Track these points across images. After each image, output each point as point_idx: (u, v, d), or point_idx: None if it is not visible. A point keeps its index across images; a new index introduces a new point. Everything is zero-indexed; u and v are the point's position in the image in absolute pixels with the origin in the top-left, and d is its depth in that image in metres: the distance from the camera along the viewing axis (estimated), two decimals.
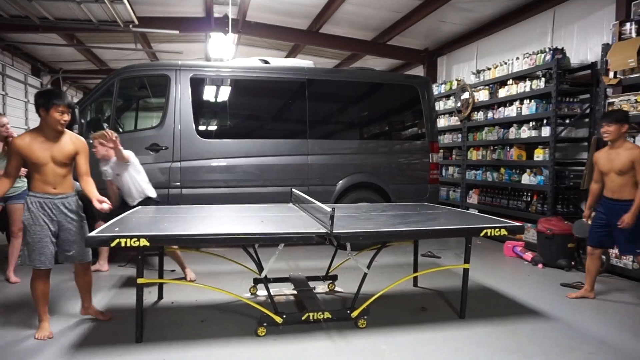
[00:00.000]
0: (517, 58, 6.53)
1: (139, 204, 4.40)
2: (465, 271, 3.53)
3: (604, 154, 3.94)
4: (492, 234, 3.32)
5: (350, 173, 5.96)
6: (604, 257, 4.85)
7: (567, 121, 5.83)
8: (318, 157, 5.86)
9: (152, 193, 4.51)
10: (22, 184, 4.40)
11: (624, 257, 4.70)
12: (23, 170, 4.27)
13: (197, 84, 5.61)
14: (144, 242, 2.75)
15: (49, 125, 3.07)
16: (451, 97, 8.32)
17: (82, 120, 5.05)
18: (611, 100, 4.94)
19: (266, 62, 6.07)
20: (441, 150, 8.47)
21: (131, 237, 2.74)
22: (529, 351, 2.96)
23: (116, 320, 3.42)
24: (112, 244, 2.72)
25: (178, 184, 5.41)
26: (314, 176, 5.83)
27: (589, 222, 4.18)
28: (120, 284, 4.36)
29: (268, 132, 6.04)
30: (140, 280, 2.96)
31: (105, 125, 5.58)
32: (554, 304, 3.92)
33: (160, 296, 3.93)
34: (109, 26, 7.44)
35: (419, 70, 10.32)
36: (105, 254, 4.83)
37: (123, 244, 2.72)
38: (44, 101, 3.03)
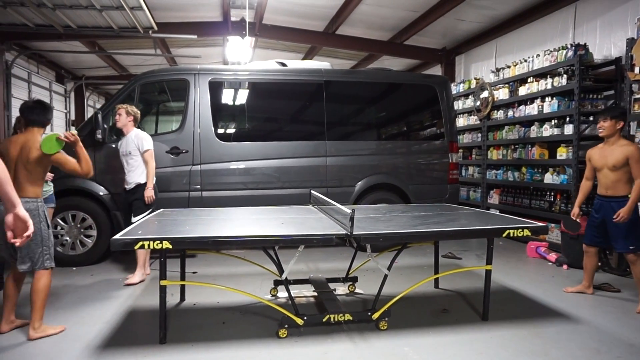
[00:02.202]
0: (538, 55, 6.42)
1: (135, 190, 4.52)
2: (488, 272, 3.47)
3: (598, 151, 4.03)
4: (515, 235, 3.27)
5: (368, 174, 5.94)
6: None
7: (591, 118, 5.70)
8: (336, 159, 5.86)
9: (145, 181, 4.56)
10: (48, 188, 4.53)
11: None
12: (49, 175, 4.39)
13: (215, 88, 5.67)
14: (166, 245, 2.79)
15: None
16: (470, 96, 8.22)
17: (105, 126, 5.16)
18: (637, 96, 4.81)
19: (283, 64, 6.10)
20: (460, 150, 8.38)
21: (154, 239, 2.78)
22: (554, 354, 2.90)
23: (140, 322, 3.48)
24: (136, 247, 2.78)
25: (198, 186, 5.47)
26: (333, 178, 5.83)
27: (578, 219, 4.24)
28: (143, 286, 4.43)
29: (286, 134, 6.06)
30: (163, 282, 3.01)
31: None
32: (579, 305, 3.84)
33: (182, 298, 3.99)
34: (129, 32, 7.59)
35: (436, 70, 10.23)
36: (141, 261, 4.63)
37: (146, 247, 2.78)
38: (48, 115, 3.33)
